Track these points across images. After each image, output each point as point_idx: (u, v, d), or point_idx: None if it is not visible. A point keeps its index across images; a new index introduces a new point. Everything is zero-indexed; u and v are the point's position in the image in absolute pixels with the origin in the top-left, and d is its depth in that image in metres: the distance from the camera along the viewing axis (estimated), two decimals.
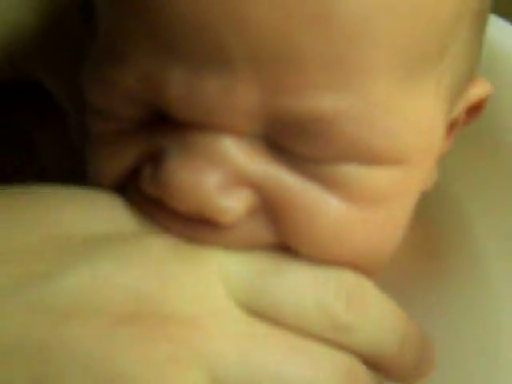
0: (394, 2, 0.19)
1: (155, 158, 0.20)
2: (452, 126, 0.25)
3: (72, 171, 0.25)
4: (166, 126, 0.20)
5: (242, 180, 0.20)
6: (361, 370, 0.22)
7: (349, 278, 0.21)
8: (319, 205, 0.20)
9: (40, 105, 0.28)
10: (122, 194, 0.22)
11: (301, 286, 0.21)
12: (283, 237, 0.21)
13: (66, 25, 0.26)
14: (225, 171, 0.19)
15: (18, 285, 0.19)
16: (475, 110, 0.26)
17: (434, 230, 0.30)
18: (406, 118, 0.21)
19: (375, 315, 0.22)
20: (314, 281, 0.21)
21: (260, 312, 0.21)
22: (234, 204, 0.20)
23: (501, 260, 0.28)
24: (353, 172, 0.20)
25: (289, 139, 0.20)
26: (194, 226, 0.20)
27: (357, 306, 0.21)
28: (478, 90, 0.25)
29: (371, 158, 0.20)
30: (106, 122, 0.21)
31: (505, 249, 0.28)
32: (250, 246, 0.21)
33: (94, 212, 0.21)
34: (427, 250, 0.29)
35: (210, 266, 0.20)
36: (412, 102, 0.21)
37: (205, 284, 0.20)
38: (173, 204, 0.19)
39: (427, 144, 0.22)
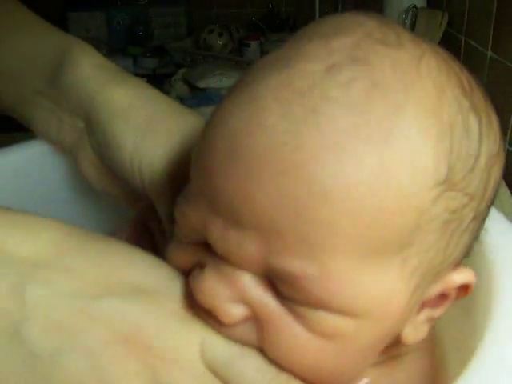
0: (359, 212, 0.26)
1: (201, 266, 0.30)
2: (443, 298, 0.32)
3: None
4: (209, 249, 0.29)
5: (244, 299, 0.29)
6: None
7: (284, 380, 0.29)
8: (290, 330, 0.28)
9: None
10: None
11: (247, 371, 0.29)
12: (261, 342, 0.29)
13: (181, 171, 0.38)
14: (234, 290, 0.28)
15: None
16: (463, 291, 0.32)
17: None
18: (363, 287, 0.27)
19: None
20: (259, 373, 0.29)
21: (217, 374, 0.29)
22: (234, 312, 0.28)
23: None
24: (320, 315, 0.28)
25: (279, 283, 0.28)
26: (208, 315, 0.29)
27: None
28: (458, 277, 0.31)
29: (332, 309, 0.28)
30: (181, 234, 0.31)
31: None
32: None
33: (141, 269, 0.32)
34: None
35: (194, 336, 0.30)
36: (372, 275, 0.27)
37: (186, 343, 0.30)
38: (197, 298, 0.29)
39: (382, 309, 0.28)
